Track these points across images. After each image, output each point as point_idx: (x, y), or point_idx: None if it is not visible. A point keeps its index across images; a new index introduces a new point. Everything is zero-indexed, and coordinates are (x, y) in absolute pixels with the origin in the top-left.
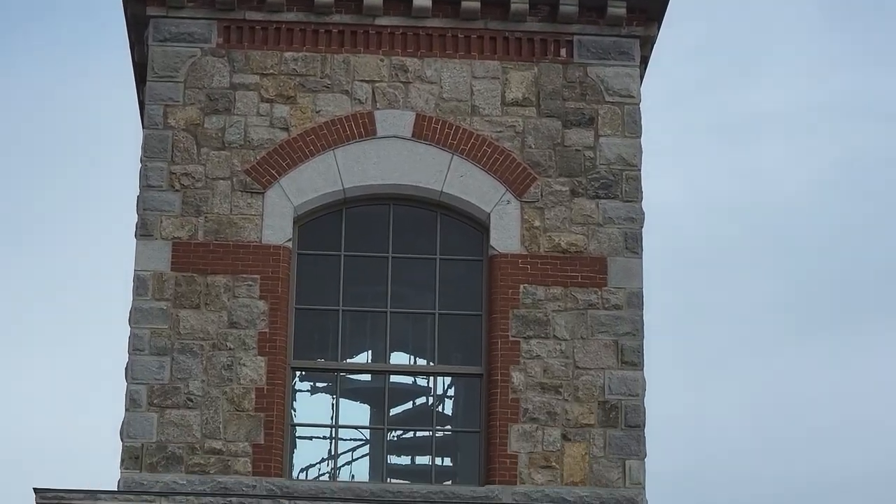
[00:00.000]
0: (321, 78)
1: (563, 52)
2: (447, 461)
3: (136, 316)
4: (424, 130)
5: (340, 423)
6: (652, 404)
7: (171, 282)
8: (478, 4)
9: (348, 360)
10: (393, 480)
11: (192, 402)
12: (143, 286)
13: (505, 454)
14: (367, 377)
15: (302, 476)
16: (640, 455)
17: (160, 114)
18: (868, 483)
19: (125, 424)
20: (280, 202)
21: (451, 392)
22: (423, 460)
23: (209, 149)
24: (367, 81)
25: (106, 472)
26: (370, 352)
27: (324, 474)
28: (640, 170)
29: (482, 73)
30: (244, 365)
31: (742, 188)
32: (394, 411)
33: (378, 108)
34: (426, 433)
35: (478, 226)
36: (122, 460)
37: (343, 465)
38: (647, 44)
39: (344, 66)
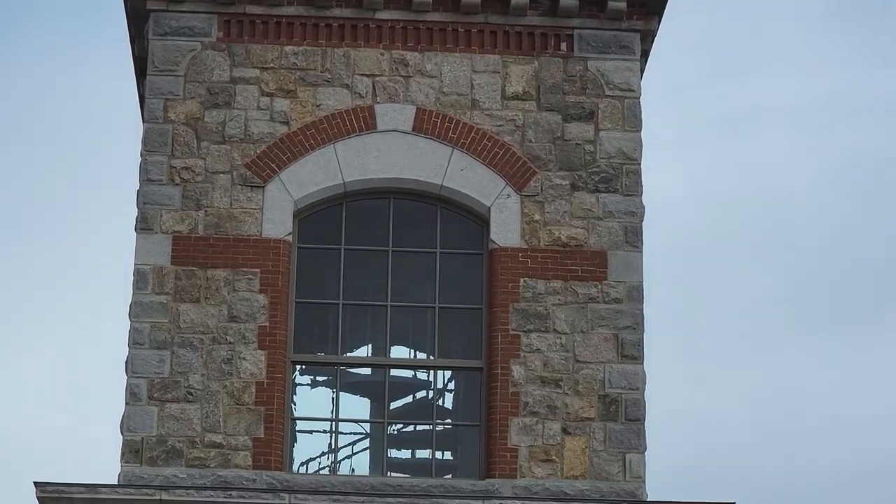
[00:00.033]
0: (321, 72)
1: (563, 45)
2: (447, 455)
3: (137, 310)
4: (425, 124)
5: (340, 416)
6: (652, 398)
7: (171, 276)
8: None
9: (348, 354)
10: (393, 474)
11: (192, 395)
12: (144, 280)
13: (505, 448)
14: (368, 371)
15: (302, 470)
16: (641, 449)
17: (160, 108)
18: (869, 479)
19: (125, 418)
20: (280, 196)
21: (451, 386)
22: (423, 454)
23: (209, 143)
24: (367, 75)
25: (106, 466)
26: (370, 345)
27: (324, 468)
28: (640, 163)
29: (482, 67)
30: (244, 359)
31: (742, 182)
32: (394, 405)
33: (378, 102)
34: (426, 427)
35: (478, 219)
36: (123, 454)
37: (343, 459)
38: (648, 37)
39: (344, 60)
